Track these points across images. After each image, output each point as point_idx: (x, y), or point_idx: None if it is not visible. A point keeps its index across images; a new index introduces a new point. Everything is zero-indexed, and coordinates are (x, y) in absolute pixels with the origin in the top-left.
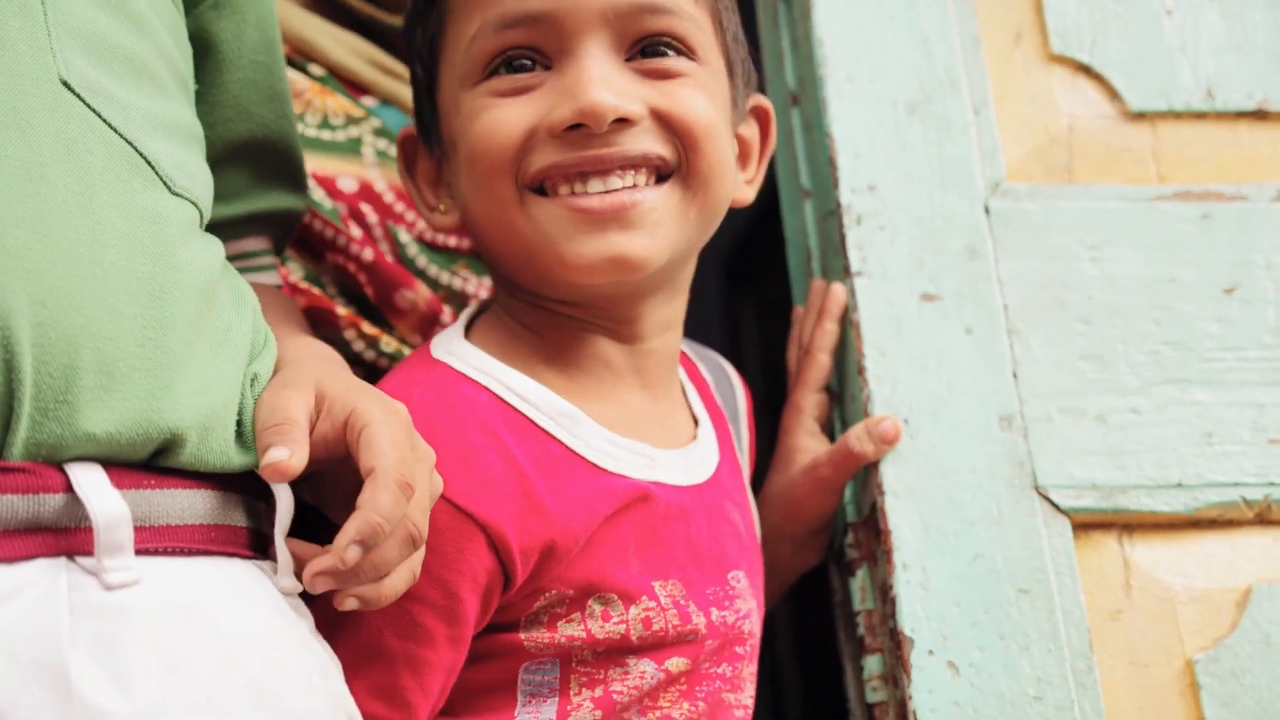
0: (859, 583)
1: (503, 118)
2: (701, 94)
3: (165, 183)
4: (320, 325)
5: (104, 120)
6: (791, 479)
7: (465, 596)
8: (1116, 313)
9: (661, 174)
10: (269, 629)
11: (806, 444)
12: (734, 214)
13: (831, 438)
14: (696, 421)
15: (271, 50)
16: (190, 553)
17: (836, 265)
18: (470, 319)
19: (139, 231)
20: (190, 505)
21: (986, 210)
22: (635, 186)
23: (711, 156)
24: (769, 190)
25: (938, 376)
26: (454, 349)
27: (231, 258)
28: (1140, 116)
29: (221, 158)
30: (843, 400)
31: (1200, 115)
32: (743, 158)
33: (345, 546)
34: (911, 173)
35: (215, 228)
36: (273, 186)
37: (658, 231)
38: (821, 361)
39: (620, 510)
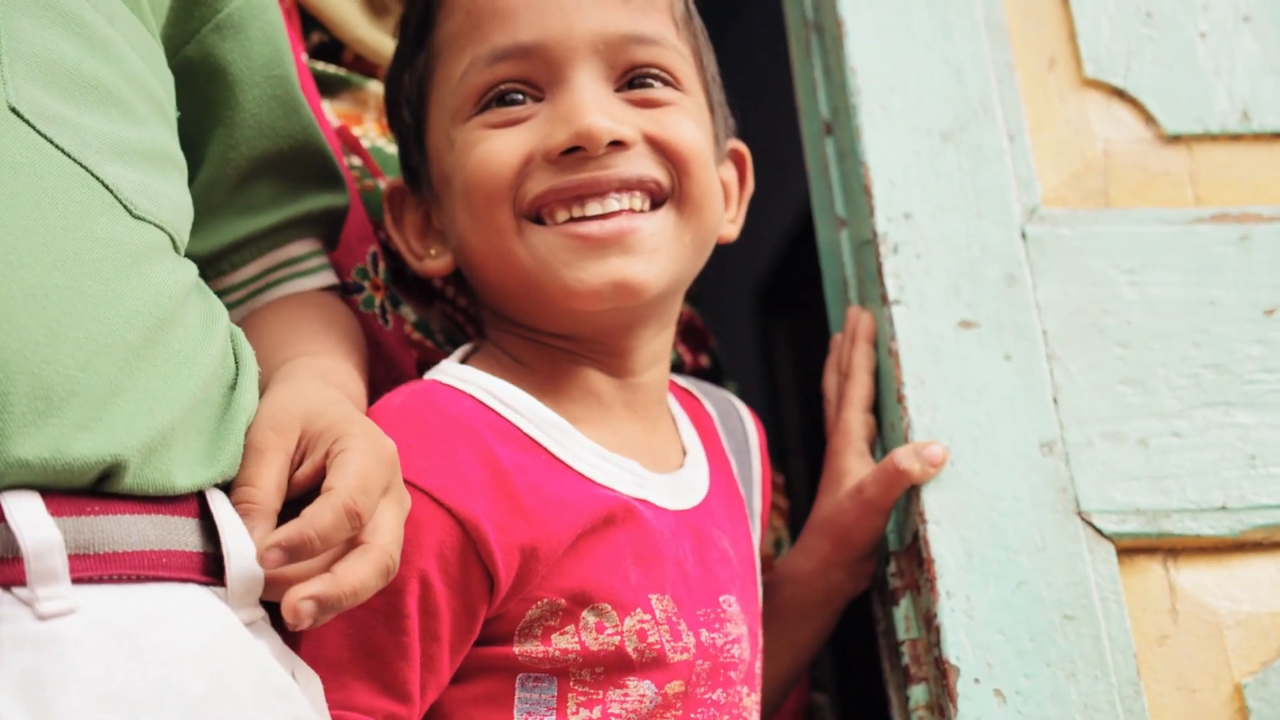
0: (903, 612)
1: (498, 147)
2: (690, 121)
3: (125, 206)
4: None
5: (56, 145)
6: (839, 502)
7: (435, 584)
8: (1156, 336)
9: (655, 200)
10: (217, 654)
11: (854, 466)
12: (766, 243)
13: None
14: (685, 452)
15: (283, 62)
16: (136, 579)
17: (874, 294)
18: (465, 355)
19: (89, 254)
20: (136, 531)
21: (1023, 236)
22: (633, 211)
23: (703, 181)
24: (802, 219)
25: (977, 404)
26: (444, 368)
27: (278, 266)
28: (1176, 139)
29: (249, 174)
30: (882, 429)
31: (1236, 137)
32: (724, 200)
33: (269, 546)
34: (947, 201)
35: (254, 239)
36: (307, 190)
37: (657, 256)
38: (864, 381)
39: (609, 521)
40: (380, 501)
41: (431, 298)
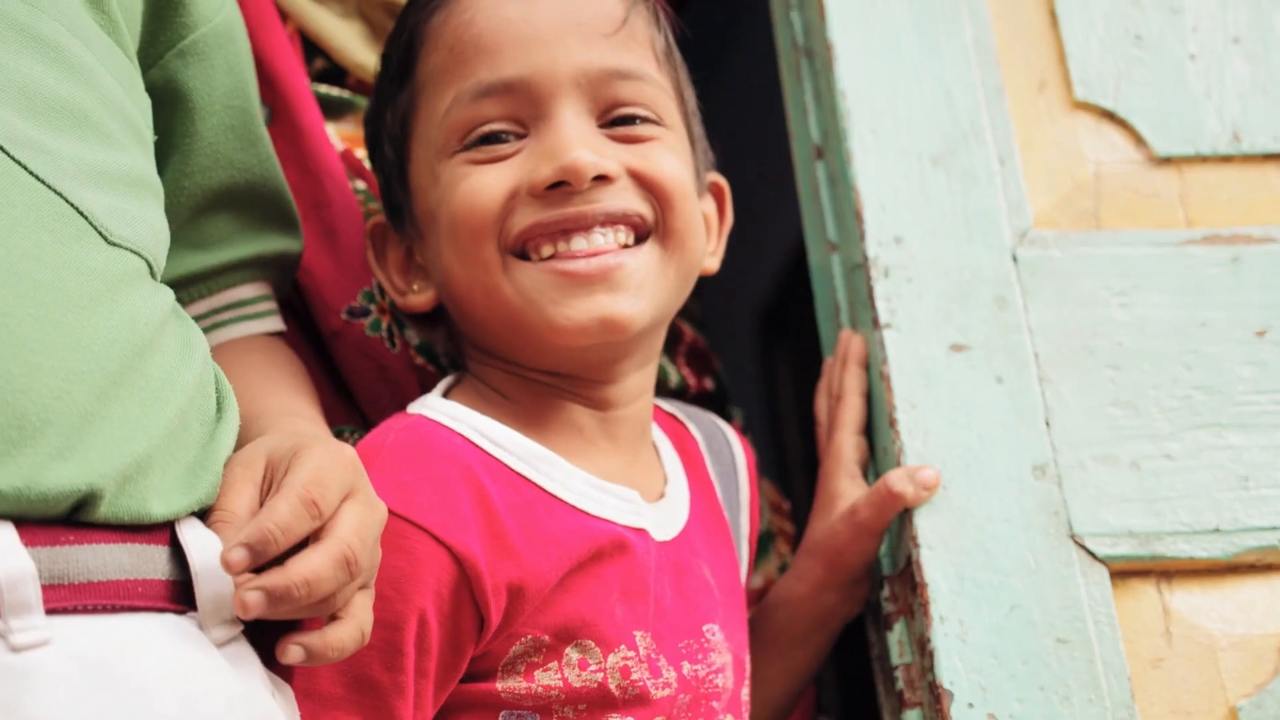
0: (896, 636)
1: (484, 182)
2: (672, 155)
3: (100, 233)
4: None
5: (30, 172)
6: (832, 525)
7: (431, 621)
8: (1147, 358)
9: (639, 234)
10: (194, 683)
11: (847, 488)
12: (767, 268)
13: None
14: (666, 480)
15: (246, 94)
16: (111, 609)
17: (865, 318)
18: (446, 389)
19: (63, 282)
20: (112, 560)
21: (1014, 259)
22: (618, 248)
23: (686, 215)
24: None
25: (969, 427)
26: (429, 403)
27: (226, 307)
28: (1166, 161)
29: (204, 205)
30: (874, 453)
31: (1227, 159)
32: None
33: (231, 546)
34: (938, 224)
35: (205, 276)
36: (261, 230)
37: (642, 292)
38: (855, 404)
39: (598, 556)
40: (344, 503)
41: (435, 321)
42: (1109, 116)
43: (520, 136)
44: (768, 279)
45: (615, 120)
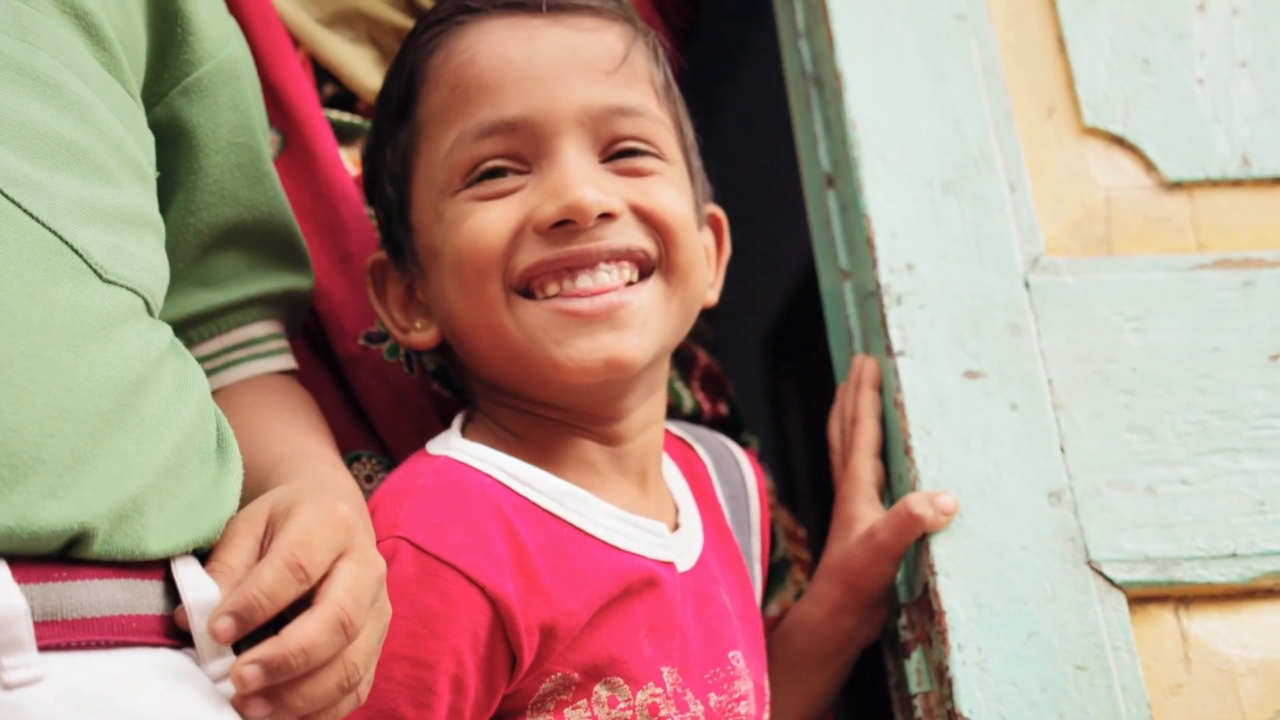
0: (914, 665)
1: (489, 219)
2: (674, 190)
3: (96, 271)
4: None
5: (23, 210)
6: (850, 548)
7: (468, 663)
8: (1161, 383)
9: (643, 269)
10: (188, 718)
11: (865, 511)
12: (774, 294)
13: None
14: (678, 510)
15: (251, 131)
16: (105, 645)
17: (878, 345)
18: (463, 424)
19: (55, 320)
20: (106, 596)
21: (1026, 285)
22: (623, 285)
23: (688, 250)
24: (809, 269)
25: (984, 454)
26: (452, 444)
27: (237, 346)
28: (1177, 186)
29: (211, 243)
30: (890, 480)
31: (1237, 183)
32: None
33: (217, 616)
34: (949, 251)
35: (214, 315)
36: (271, 268)
37: (646, 330)
38: (871, 427)
39: (628, 592)
40: (337, 563)
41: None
42: (1118, 141)
43: (523, 173)
44: (774, 305)
45: (617, 155)
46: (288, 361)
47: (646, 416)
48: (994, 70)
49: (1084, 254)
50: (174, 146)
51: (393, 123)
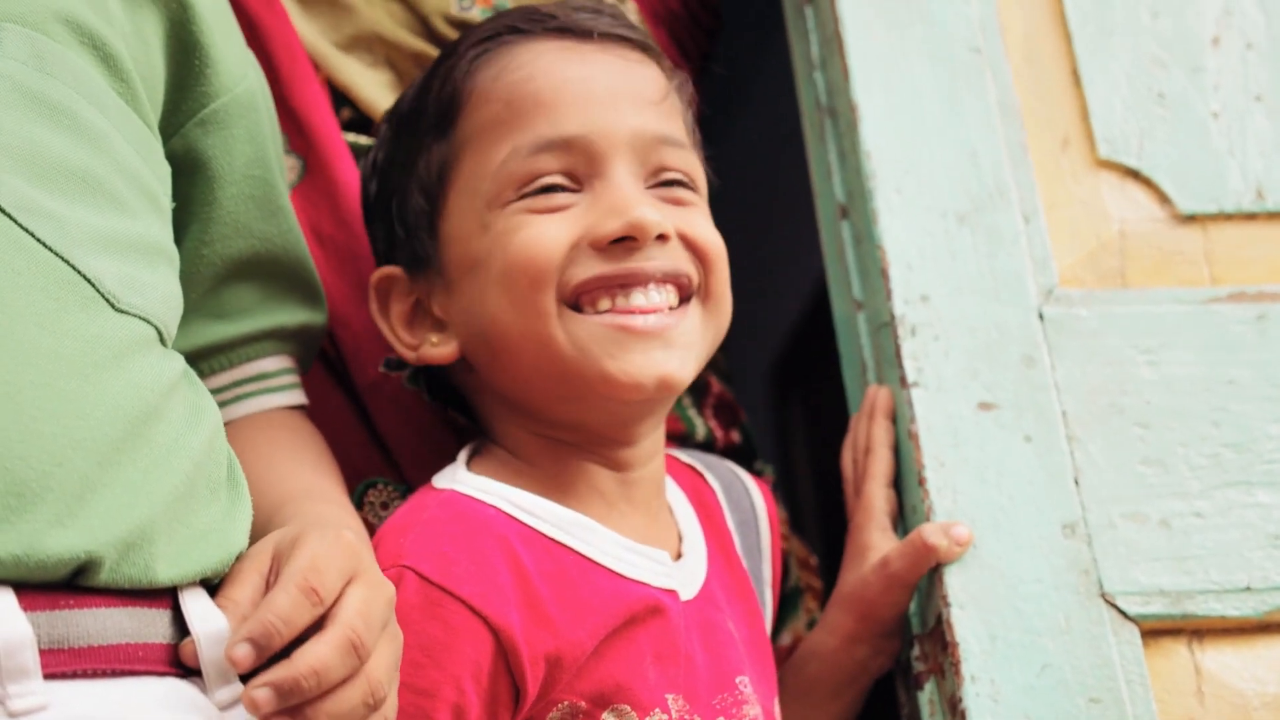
0: (927, 696)
1: (547, 232)
2: (709, 220)
3: (108, 300)
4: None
5: (36, 239)
6: (863, 577)
7: (469, 692)
8: (1175, 416)
9: (684, 294)
10: None
11: (878, 540)
12: (781, 323)
13: None
14: (681, 538)
15: (266, 164)
16: (111, 674)
17: (892, 376)
18: (470, 456)
19: (66, 349)
20: (112, 624)
21: (1041, 317)
22: (669, 307)
23: (724, 278)
24: (815, 298)
25: (998, 486)
26: (458, 477)
27: (248, 379)
28: (1191, 219)
29: (224, 275)
30: (903, 512)
31: (1251, 216)
32: None
33: (234, 644)
34: (964, 283)
35: (226, 347)
36: (284, 302)
37: (689, 352)
38: (884, 456)
39: (632, 620)
40: (347, 587)
41: (447, 381)
42: (1133, 175)
43: (574, 191)
44: (780, 334)
45: (659, 183)
46: (298, 397)
47: (654, 444)
48: (1009, 103)
49: (1098, 286)
50: (189, 177)
51: (427, 134)
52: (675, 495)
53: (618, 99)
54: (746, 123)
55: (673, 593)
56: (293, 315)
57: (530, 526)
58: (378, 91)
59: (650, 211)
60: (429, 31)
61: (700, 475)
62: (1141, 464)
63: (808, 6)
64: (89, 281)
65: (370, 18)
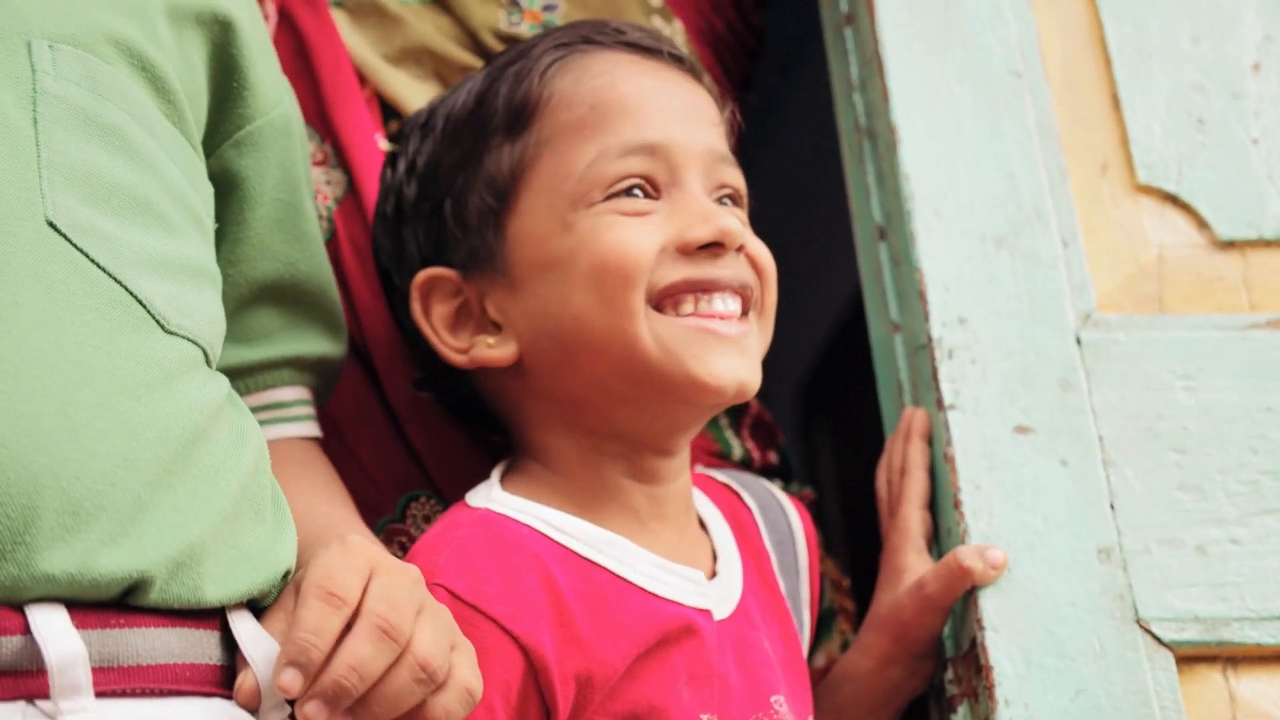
0: (960, 719)
1: (637, 233)
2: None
3: (158, 321)
4: None
5: (91, 260)
6: (899, 599)
7: (499, 711)
8: (1212, 442)
9: (744, 307)
10: None
11: (914, 562)
12: (809, 344)
13: None
14: (716, 556)
15: (295, 189)
16: (160, 693)
17: (929, 398)
18: (503, 474)
19: (119, 370)
20: (162, 644)
21: (1078, 342)
22: (737, 316)
23: (775, 294)
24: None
25: (1034, 510)
26: (492, 496)
27: (265, 407)
28: (1230, 245)
29: (249, 298)
30: (939, 534)
31: None
32: None
33: (279, 672)
34: (1001, 306)
35: (246, 372)
36: (305, 330)
37: (755, 362)
38: (920, 478)
39: (666, 640)
40: (368, 582)
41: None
42: (1172, 200)
43: (652, 197)
44: (808, 356)
45: (719, 200)
46: (312, 429)
47: (684, 460)
48: (1049, 127)
49: (1136, 311)
50: (223, 198)
51: (495, 135)
52: (711, 513)
53: (690, 114)
54: (777, 142)
55: (706, 612)
56: (313, 345)
57: (564, 546)
58: (421, 103)
59: (734, 222)
60: (477, 45)
61: (736, 494)
62: (1178, 489)
63: (847, 28)
64: (140, 303)
65: (420, 31)
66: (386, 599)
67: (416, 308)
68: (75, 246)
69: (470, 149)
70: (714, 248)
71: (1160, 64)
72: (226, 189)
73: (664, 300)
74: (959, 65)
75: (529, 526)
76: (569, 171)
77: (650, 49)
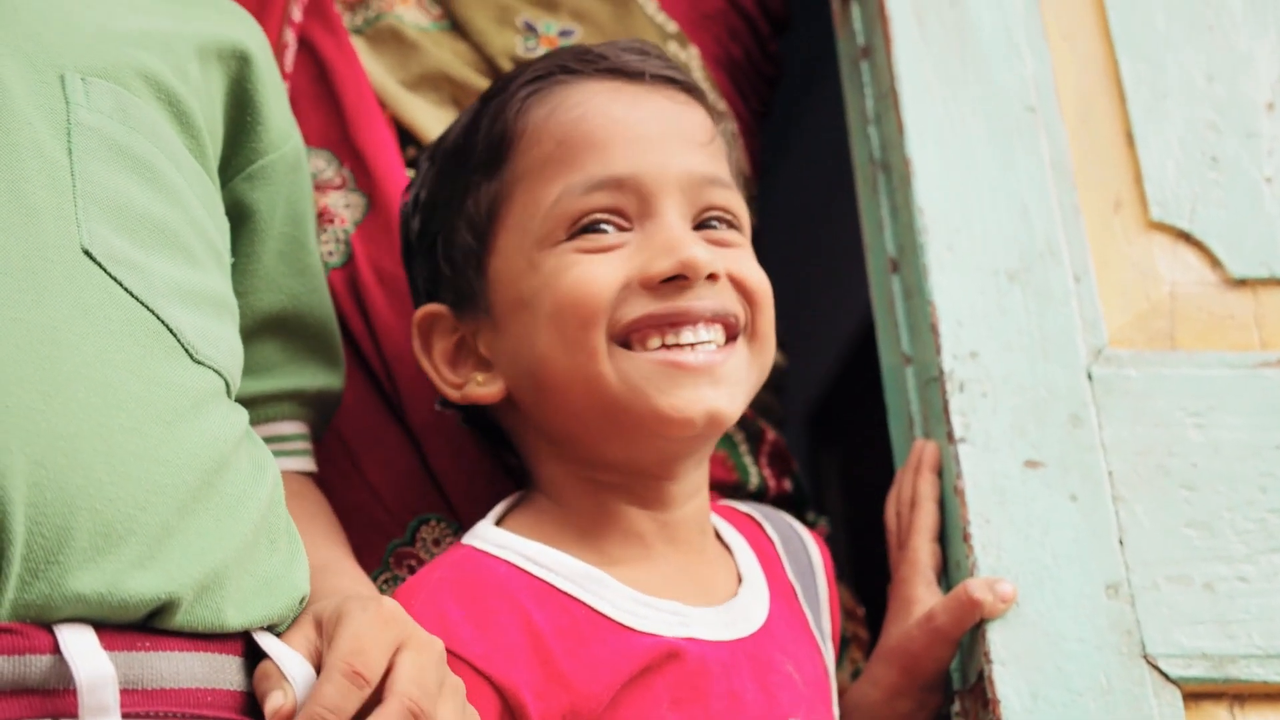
0: None
1: (597, 271)
2: (754, 261)
3: (187, 351)
4: None
5: (124, 288)
6: (908, 631)
7: None
8: (1222, 480)
9: (730, 334)
10: None
11: (923, 595)
12: (818, 373)
13: None
14: (741, 579)
15: (301, 224)
16: (183, 717)
17: (939, 431)
18: (508, 508)
19: (153, 396)
20: (185, 667)
21: (1089, 377)
22: (719, 344)
23: (770, 318)
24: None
25: (1043, 544)
26: (478, 531)
27: (266, 440)
28: (1242, 283)
29: (254, 329)
30: (948, 567)
31: None
32: None
33: None
34: (1013, 340)
35: (248, 403)
36: (307, 363)
37: (737, 390)
38: (930, 510)
39: (649, 669)
40: (396, 655)
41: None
42: (1184, 237)
43: (624, 230)
44: (816, 386)
45: (705, 224)
46: (310, 464)
47: (695, 483)
48: (1063, 163)
49: (1147, 348)
50: (234, 230)
51: (477, 172)
52: (735, 539)
53: (668, 140)
54: (789, 171)
55: (690, 640)
56: (313, 378)
57: (544, 581)
58: (436, 131)
59: (701, 251)
60: (494, 71)
61: (759, 526)
62: (1187, 526)
63: (864, 61)
64: (171, 331)
65: (437, 57)
66: (417, 679)
67: (416, 344)
68: (109, 275)
69: (455, 186)
70: (679, 280)
71: (1175, 102)
72: (237, 221)
73: (632, 336)
74: (974, 100)
75: (509, 564)
76: (536, 210)
77: (632, 73)
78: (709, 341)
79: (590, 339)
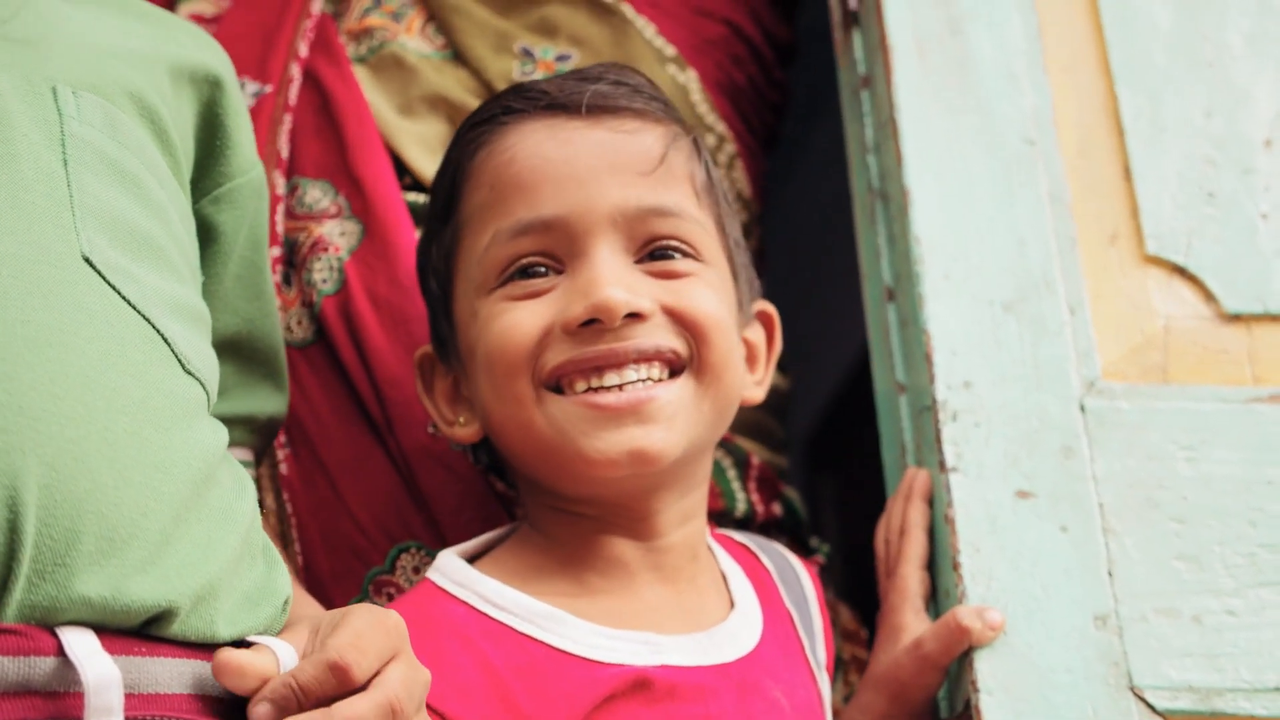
0: None
1: (519, 319)
2: (709, 290)
3: (180, 361)
4: None
5: (122, 296)
6: (896, 658)
7: None
8: (1212, 514)
9: (674, 368)
10: None
11: (911, 622)
12: (815, 397)
13: None
14: (733, 605)
15: (260, 249)
16: None
17: (931, 460)
18: (497, 539)
19: (152, 402)
20: (178, 674)
21: (1082, 409)
22: (650, 381)
23: (721, 349)
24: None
25: (1033, 574)
26: (442, 566)
27: None
28: (1236, 319)
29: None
30: (936, 595)
31: None
32: (750, 360)
33: (256, 702)
34: (1007, 371)
35: None
36: (258, 388)
37: (674, 424)
38: (920, 538)
39: (613, 697)
40: (389, 664)
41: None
42: (1180, 272)
43: (557, 272)
44: (813, 412)
45: (652, 255)
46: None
47: (684, 512)
48: (1060, 196)
49: (1141, 381)
50: (201, 250)
51: (437, 220)
52: (730, 566)
53: (600, 174)
54: (788, 198)
55: (663, 667)
56: (264, 404)
57: (499, 621)
58: (424, 161)
59: (617, 292)
60: (492, 94)
61: (755, 556)
62: (1176, 559)
63: (864, 90)
64: (166, 341)
65: (438, 82)
66: (407, 688)
67: (418, 383)
68: (108, 283)
69: (427, 232)
70: (596, 324)
71: (1173, 137)
72: (202, 243)
73: (561, 380)
74: (974, 131)
75: (466, 605)
76: (473, 256)
77: (571, 107)
78: (637, 381)
79: (515, 387)
